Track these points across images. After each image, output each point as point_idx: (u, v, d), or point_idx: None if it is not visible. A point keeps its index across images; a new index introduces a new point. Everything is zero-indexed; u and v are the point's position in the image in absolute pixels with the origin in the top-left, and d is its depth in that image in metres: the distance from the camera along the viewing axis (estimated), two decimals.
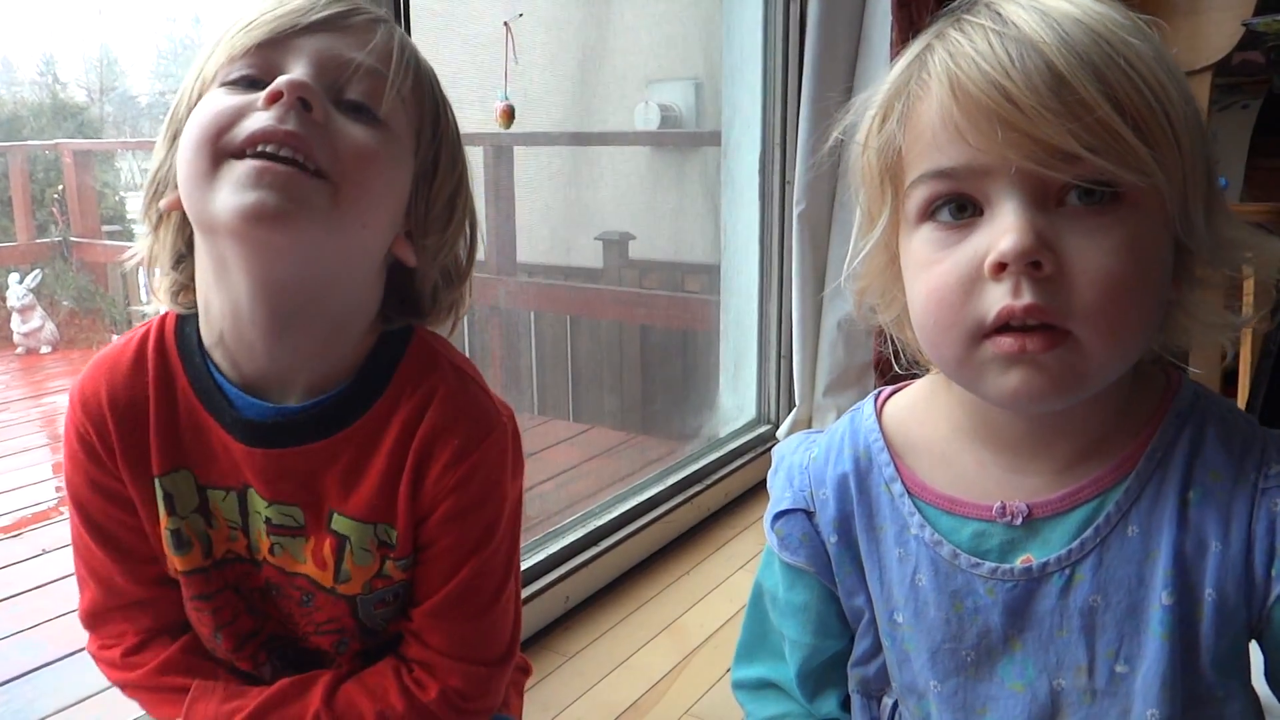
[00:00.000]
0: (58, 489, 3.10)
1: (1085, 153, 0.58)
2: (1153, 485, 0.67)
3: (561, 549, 1.78)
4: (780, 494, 0.80)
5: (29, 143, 4.50)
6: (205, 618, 0.82)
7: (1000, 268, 0.60)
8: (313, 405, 0.78)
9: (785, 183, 2.32)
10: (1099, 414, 0.68)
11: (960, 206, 0.63)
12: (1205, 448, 0.67)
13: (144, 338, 0.81)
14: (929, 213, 0.64)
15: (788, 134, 2.31)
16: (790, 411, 2.38)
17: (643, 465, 2.19)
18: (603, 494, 2.02)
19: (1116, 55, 0.59)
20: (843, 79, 2.19)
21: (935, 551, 0.72)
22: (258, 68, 0.73)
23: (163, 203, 0.77)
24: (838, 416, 2.47)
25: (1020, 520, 0.69)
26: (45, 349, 4.31)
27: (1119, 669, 0.68)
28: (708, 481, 2.16)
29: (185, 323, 0.80)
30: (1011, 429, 0.69)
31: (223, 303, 0.76)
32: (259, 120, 0.70)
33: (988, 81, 0.59)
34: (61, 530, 2.63)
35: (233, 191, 0.69)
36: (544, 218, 3.38)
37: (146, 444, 0.79)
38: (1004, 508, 0.70)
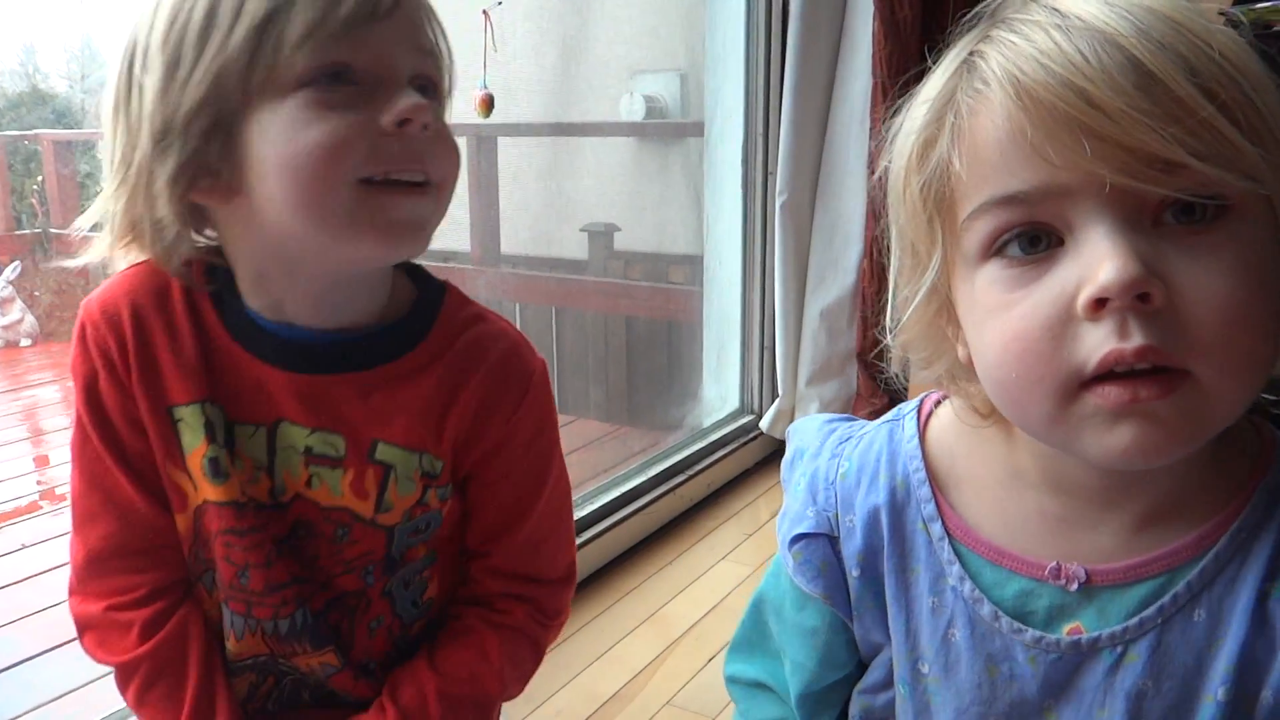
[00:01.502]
0: (38, 483, 3.08)
1: (1192, 160, 0.49)
2: (1231, 569, 0.59)
3: None
4: (800, 508, 0.71)
5: (8, 133, 4.46)
6: (235, 554, 0.80)
7: (1099, 304, 0.50)
8: (359, 337, 0.79)
9: (768, 173, 2.32)
10: (1184, 466, 0.59)
11: (1033, 239, 0.54)
12: None
13: (167, 272, 0.79)
14: (995, 248, 0.55)
15: (770, 124, 2.30)
16: (773, 402, 2.39)
17: (626, 457, 2.19)
18: (586, 486, 2.02)
19: (1203, 45, 0.51)
20: (825, 69, 2.19)
21: (974, 609, 0.64)
22: (347, 62, 0.69)
23: (205, 197, 0.73)
24: (820, 407, 2.48)
25: (1076, 586, 0.61)
26: (25, 341, 4.27)
27: None
28: (690, 472, 2.17)
29: (212, 274, 0.79)
30: (1082, 477, 0.60)
31: (276, 285, 0.77)
32: (387, 151, 0.70)
33: (1061, 84, 0.50)
34: (41, 525, 2.62)
35: (374, 226, 0.71)
36: (528, 209, 3.37)
37: (165, 370, 0.78)
38: (1059, 569, 0.62)
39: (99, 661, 0.83)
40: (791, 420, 2.37)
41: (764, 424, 2.39)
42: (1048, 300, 0.52)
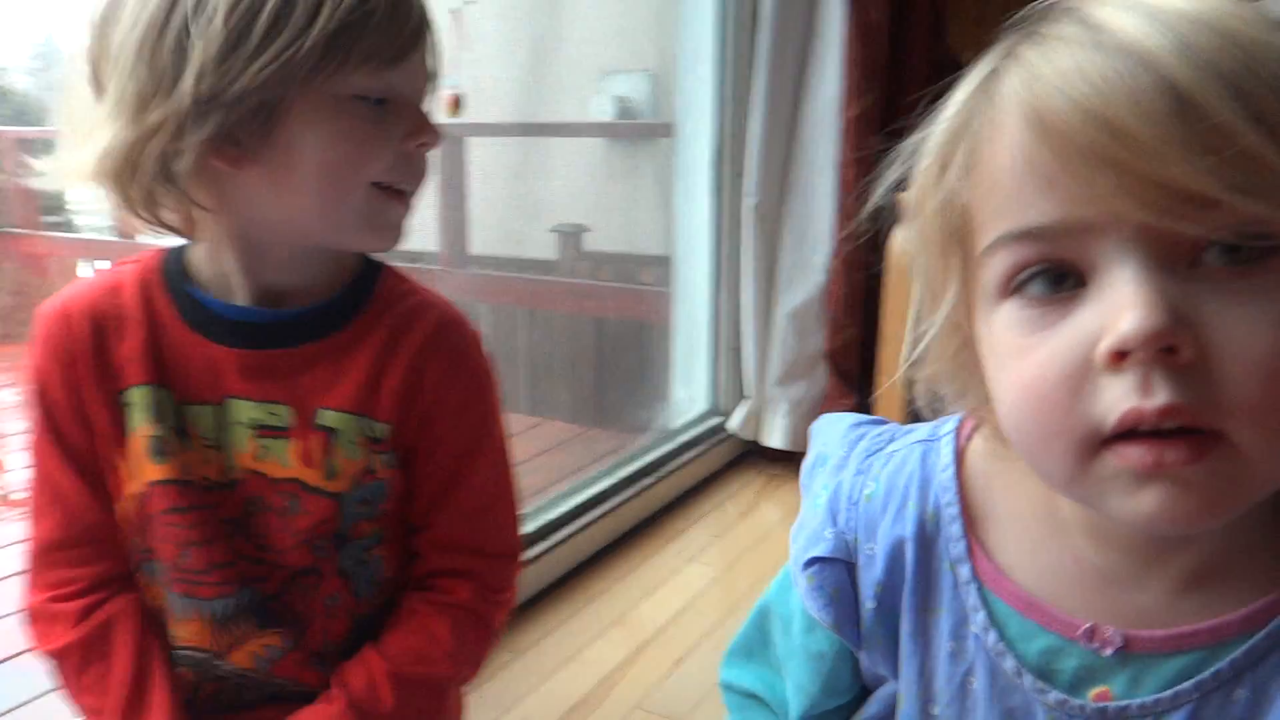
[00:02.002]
0: None
1: (1230, 195, 0.44)
2: None
3: None
4: (819, 527, 0.67)
5: None
6: (177, 533, 0.83)
7: (1120, 356, 0.45)
8: (302, 312, 0.84)
9: (737, 174, 2.32)
10: (1240, 522, 0.52)
11: (1058, 277, 0.49)
12: None
13: (121, 273, 0.85)
14: (1014, 285, 0.50)
15: (740, 126, 2.30)
16: (742, 402, 2.38)
17: (594, 459, 2.18)
18: (554, 489, 2.00)
19: (1256, 61, 0.45)
20: (795, 71, 2.20)
21: (996, 661, 0.60)
22: (392, 86, 0.78)
23: (226, 164, 0.76)
24: (789, 408, 2.48)
25: (1111, 651, 0.56)
26: None
27: None
28: (659, 474, 2.16)
29: (167, 261, 0.85)
30: (1124, 527, 0.54)
31: (247, 263, 0.82)
32: (402, 165, 0.80)
33: (1081, 110, 0.45)
34: (3, 529, 2.56)
35: (374, 224, 0.81)
36: (496, 210, 3.35)
37: (117, 359, 0.82)
38: (1093, 632, 0.57)
39: (39, 652, 0.86)
40: (759, 422, 2.37)
41: (732, 425, 2.39)
42: (1066, 348, 0.48)
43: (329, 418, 0.83)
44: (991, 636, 0.60)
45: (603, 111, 3.35)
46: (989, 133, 0.50)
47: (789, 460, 2.36)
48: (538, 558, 1.77)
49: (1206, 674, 0.55)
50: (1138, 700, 0.56)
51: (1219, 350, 0.45)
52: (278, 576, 0.85)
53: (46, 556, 0.86)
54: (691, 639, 1.62)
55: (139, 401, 0.82)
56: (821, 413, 2.29)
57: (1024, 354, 0.49)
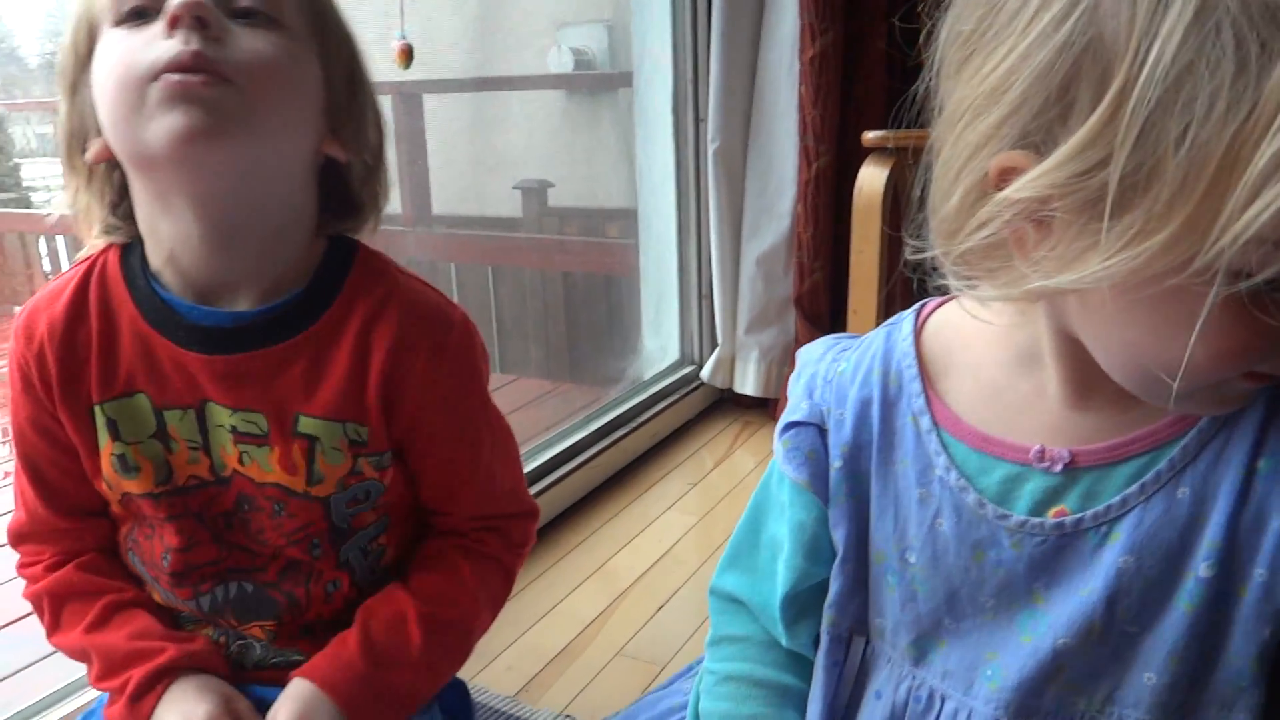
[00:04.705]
0: None
1: None
2: (1215, 445, 0.59)
3: None
4: (796, 403, 0.74)
5: None
6: (155, 543, 0.83)
7: None
8: (268, 310, 0.79)
9: (699, 120, 2.29)
10: None
11: None
12: None
13: (86, 271, 0.82)
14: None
15: (700, 71, 2.27)
16: (713, 351, 2.38)
17: (568, 414, 2.18)
18: (529, 444, 2.00)
19: None
20: (752, 12, 2.17)
21: (960, 498, 0.65)
22: (144, 5, 0.73)
23: (89, 155, 0.77)
24: (760, 354, 2.47)
25: (1060, 467, 0.62)
26: None
27: (1130, 629, 0.62)
28: (633, 425, 2.16)
29: (128, 252, 0.82)
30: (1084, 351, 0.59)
31: (166, 228, 0.78)
32: (164, 49, 0.70)
33: None
34: None
35: (158, 117, 0.70)
36: (458, 167, 3.31)
37: (86, 373, 0.80)
38: (1043, 452, 0.63)
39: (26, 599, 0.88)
40: (731, 369, 2.37)
41: (704, 374, 2.39)
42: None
43: (309, 425, 0.80)
44: (953, 475, 0.65)
45: (561, 65, 3.30)
46: None
47: (762, 407, 2.37)
48: None
49: (1148, 476, 0.60)
50: (1091, 510, 0.62)
51: None
52: (274, 566, 0.85)
53: (18, 541, 0.88)
54: (671, 586, 1.63)
55: (100, 419, 0.80)
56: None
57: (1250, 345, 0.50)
